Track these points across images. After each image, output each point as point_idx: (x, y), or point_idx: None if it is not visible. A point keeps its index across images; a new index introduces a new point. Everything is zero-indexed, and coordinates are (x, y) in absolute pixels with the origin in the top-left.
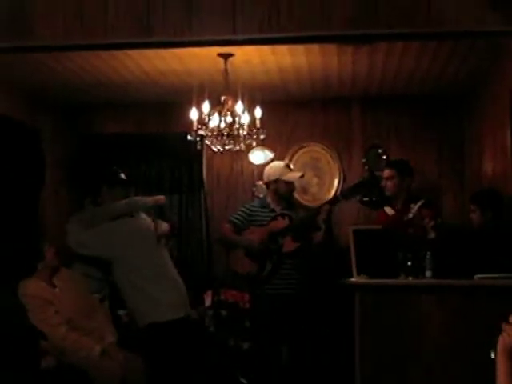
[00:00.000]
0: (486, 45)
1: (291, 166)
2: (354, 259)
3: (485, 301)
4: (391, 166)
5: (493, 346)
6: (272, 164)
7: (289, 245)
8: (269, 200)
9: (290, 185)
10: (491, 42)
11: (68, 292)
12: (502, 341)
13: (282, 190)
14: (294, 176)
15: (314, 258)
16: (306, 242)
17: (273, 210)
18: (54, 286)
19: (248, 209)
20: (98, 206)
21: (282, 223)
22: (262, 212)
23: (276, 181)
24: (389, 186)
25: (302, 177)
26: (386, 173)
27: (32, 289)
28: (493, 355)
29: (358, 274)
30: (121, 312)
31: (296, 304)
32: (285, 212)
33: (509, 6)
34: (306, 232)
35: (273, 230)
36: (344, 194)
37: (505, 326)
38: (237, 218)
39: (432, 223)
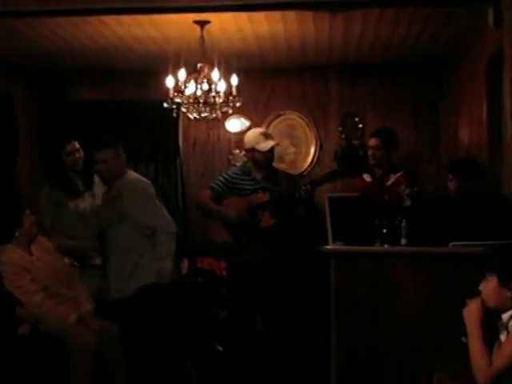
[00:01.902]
0: (463, 11)
1: (268, 133)
2: (329, 226)
3: (459, 268)
4: (379, 135)
5: (463, 333)
6: (249, 132)
7: (267, 220)
8: (250, 167)
9: (266, 153)
10: (469, 8)
11: (45, 260)
12: (467, 313)
13: (259, 159)
14: (266, 145)
15: (292, 231)
16: (283, 219)
17: (254, 179)
18: (31, 254)
19: (229, 176)
20: None
21: (263, 197)
22: (243, 180)
23: (252, 149)
24: (376, 155)
25: (276, 145)
26: (374, 141)
27: (8, 256)
28: (464, 340)
29: (334, 241)
30: None
31: (272, 272)
32: (266, 186)
33: None
34: (285, 208)
35: (252, 203)
36: (328, 178)
37: (469, 301)
38: (217, 184)
39: (408, 191)
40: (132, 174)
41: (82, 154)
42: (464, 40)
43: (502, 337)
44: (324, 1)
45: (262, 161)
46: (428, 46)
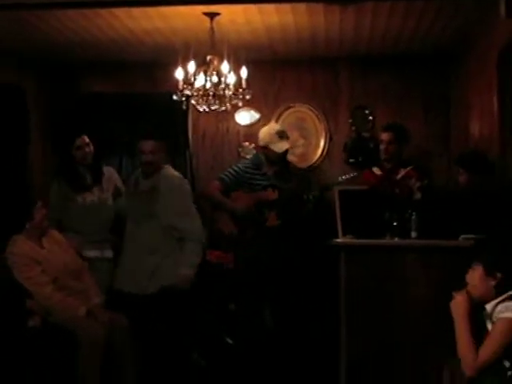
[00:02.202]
0: (473, 3)
1: (284, 132)
2: (339, 220)
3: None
4: (391, 129)
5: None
6: (265, 128)
7: (272, 220)
8: (262, 161)
9: (280, 153)
10: (478, 0)
11: (56, 252)
12: (454, 306)
13: (272, 157)
14: (281, 147)
15: (299, 229)
16: (289, 219)
17: (265, 174)
18: (42, 247)
19: (240, 169)
20: None
21: (272, 195)
22: (253, 174)
23: (266, 146)
24: (389, 149)
25: (290, 148)
26: (386, 135)
27: (19, 247)
28: None
29: (344, 234)
30: None
31: (279, 268)
32: (276, 184)
33: None
34: (292, 209)
35: (260, 199)
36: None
37: (455, 293)
38: (227, 176)
39: (418, 184)
40: (169, 170)
41: (91, 148)
42: (474, 32)
43: (489, 327)
44: None
45: (275, 158)
46: (438, 39)
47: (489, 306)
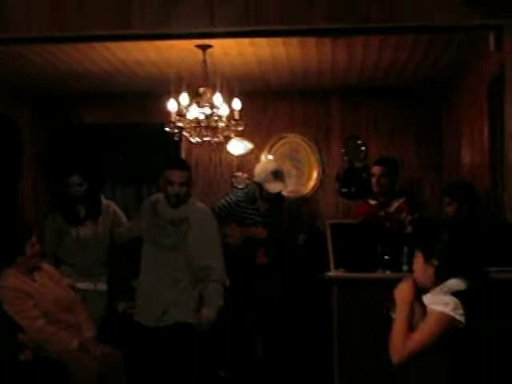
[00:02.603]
0: (463, 37)
1: (280, 171)
2: (331, 253)
3: None
4: (383, 163)
5: (392, 308)
6: (260, 165)
7: (261, 257)
8: (257, 195)
9: (279, 194)
10: (469, 34)
11: (48, 286)
12: (398, 291)
13: (265, 195)
14: (274, 188)
15: (288, 266)
16: (278, 257)
17: (258, 209)
18: (34, 281)
19: (233, 201)
20: None
21: (262, 233)
22: (246, 208)
23: (260, 184)
24: (381, 182)
25: (284, 189)
26: (378, 169)
27: (10, 281)
28: (393, 315)
29: (336, 267)
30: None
31: (272, 298)
32: (267, 220)
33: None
34: (281, 249)
35: (252, 235)
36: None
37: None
38: (219, 207)
39: (409, 218)
40: (197, 201)
41: (83, 186)
42: (464, 64)
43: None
44: (325, 28)
45: (269, 196)
46: (429, 71)
47: (425, 297)
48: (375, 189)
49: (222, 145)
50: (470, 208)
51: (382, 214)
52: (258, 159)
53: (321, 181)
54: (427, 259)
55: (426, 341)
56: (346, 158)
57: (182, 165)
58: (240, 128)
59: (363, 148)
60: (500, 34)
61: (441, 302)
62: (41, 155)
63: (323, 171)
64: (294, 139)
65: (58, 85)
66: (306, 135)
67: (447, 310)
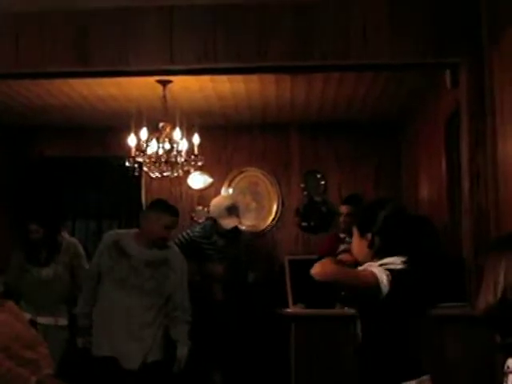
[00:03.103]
0: (420, 74)
1: (234, 207)
2: (289, 289)
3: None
4: (350, 202)
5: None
6: (216, 200)
7: (218, 294)
8: (213, 230)
9: (234, 230)
10: (425, 71)
11: (8, 322)
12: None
13: (220, 230)
14: (228, 224)
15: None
16: (234, 294)
17: (214, 243)
18: None
19: (190, 236)
20: None
21: (218, 269)
22: (202, 243)
23: (215, 219)
24: (347, 221)
25: (239, 224)
26: (344, 208)
27: None
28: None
29: (294, 303)
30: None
31: (229, 334)
32: (225, 256)
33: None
34: (235, 286)
35: (208, 272)
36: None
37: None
38: (176, 244)
39: None
40: (174, 246)
41: (41, 232)
42: (422, 100)
43: None
44: (284, 65)
45: (224, 232)
46: (388, 106)
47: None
48: (342, 226)
49: (182, 179)
50: (429, 242)
51: (342, 248)
52: (218, 193)
53: (280, 214)
54: (361, 234)
55: (349, 277)
56: (305, 192)
57: (178, 212)
58: (200, 163)
59: (323, 182)
60: (456, 71)
61: (374, 267)
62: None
63: (283, 204)
64: (253, 173)
65: (18, 117)
66: (265, 169)
67: (378, 273)
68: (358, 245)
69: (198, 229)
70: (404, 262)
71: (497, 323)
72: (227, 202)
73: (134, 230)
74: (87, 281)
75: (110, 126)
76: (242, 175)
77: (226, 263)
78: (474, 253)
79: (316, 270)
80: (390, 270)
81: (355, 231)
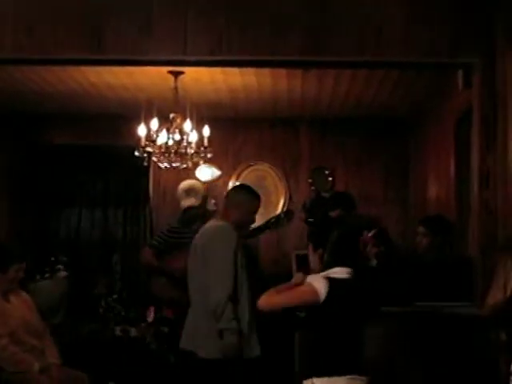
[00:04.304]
0: (432, 74)
1: (194, 189)
2: None
3: (423, 327)
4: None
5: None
6: (180, 185)
7: None
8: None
9: (190, 210)
10: (438, 71)
11: (20, 308)
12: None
13: (185, 214)
14: (183, 204)
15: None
16: None
17: (194, 231)
18: (8, 301)
19: (169, 230)
20: None
21: None
22: (182, 232)
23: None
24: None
25: (202, 202)
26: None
27: None
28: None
29: None
30: None
31: None
32: None
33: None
34: None
35: None
36: (268, 224)
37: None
38: (157, 241)
39: (375, 250)
40: None
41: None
42: (432, 100)
43: None
44: (297, 60)
45: (193, 215)
46: (397, 105)
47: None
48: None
49: (190, 170)
50: (443, 241)
51: None
52: (225, 186)
53: (287, 209)
54: (314, 248)
55: (288, 301)
56: (313, 187)
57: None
58: (209, 155)
59: (330, 178)
60: (469, 72)
61: (315, 279)
62: (9, 173)
63: (290, 199)
64: (261, 167)
65: (28, 104)
66: (273, 163)
67: (315, 284)
68: (312, 257)
69: (174, 223)
70: (349, 273)
71: (503, 322)
72: (185, 184)
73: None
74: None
75: (121, 115)
76: (250, 169)
77: None
78: (481, 253)
79: (261, 303)
80: (331, 279)
81: (310, 246)
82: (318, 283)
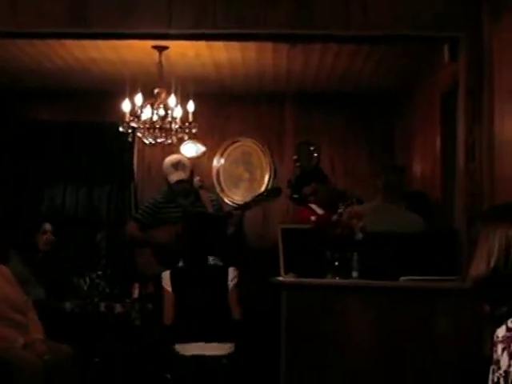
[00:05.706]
0: (418, 48)
1: (182, 163)
2: (282, 258)
3: (409, 303)
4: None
5: None
6: (165, 159)
7: None
8: (175, 194)
9: (178, 184)
10: (424, 45)
11: (1, 284)
12: None
13: (174, 188)
14: (172, 178)
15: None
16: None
17: (181, 205)
18: None
19: (154, 204)
20: None
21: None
22: (168, 207)
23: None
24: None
25: (189, 178)
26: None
27: None
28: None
29: (286, 272)
30: None
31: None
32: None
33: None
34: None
35: (178, 231)
36: (256, 200)
37: None
38: (141, 215)
39: (360, 224)
40: None
41: None
42: (418, 74)
43: None
44: (283, 33)
45: (179, 190)
46: (383, 80)
47: None
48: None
49: (175, 146)
50: (423, 217)
51: (334, 219)
52: (210, 162)
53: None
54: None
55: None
56: (297, 163)
57: None
58: (194, 130)
59: (315, 154)
60: (455, 45)
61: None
62: None
63: (275, 175)
64: (246, 143)
65: (12, 80)
66: (259, 139)
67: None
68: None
69: (159, 196)
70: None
71: (487, 293)
72: (173, 158)
73: None
74: None
75: (105, 90)
76: (235, 145)
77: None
78: (466, 227)
79: None
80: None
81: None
82: (164, 281)
